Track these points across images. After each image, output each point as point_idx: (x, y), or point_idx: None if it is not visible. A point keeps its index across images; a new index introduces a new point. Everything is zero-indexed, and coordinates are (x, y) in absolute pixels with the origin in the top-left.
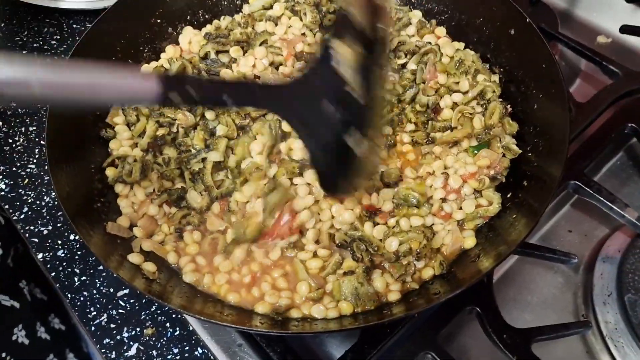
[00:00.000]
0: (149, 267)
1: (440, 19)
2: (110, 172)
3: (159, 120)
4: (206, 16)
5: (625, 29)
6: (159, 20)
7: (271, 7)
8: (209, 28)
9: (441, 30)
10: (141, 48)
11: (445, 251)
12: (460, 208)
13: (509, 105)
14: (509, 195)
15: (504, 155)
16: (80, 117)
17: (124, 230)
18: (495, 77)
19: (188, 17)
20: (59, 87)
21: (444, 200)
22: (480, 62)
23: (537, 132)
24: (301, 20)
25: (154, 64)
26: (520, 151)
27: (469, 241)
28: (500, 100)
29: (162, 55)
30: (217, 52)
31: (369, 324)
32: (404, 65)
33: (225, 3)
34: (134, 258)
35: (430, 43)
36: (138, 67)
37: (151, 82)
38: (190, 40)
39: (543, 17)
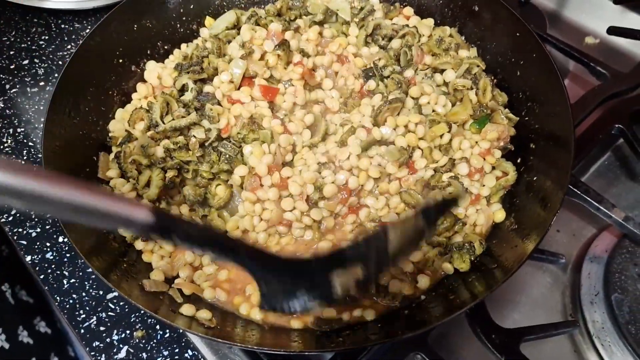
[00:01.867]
0: (204, 314)
1: (403, 4)
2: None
3: (164, 167)
4: (165, 47)
5: (613, 30)
6: (121, 60)
7: (234, 27)
8: (173, 58)
9: (409, 10)
10: (110, 92)
11: (481, 231)
12: (483, 185)
13: (492, 76)
14: (518, 161)
15: None
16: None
17: (162, 285)
18: (474, 51)
19: (148, 51)
20: (46, 203)
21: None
22: (458, 35)
23: (527, 97)
24: None
25: (128, 107)
26: (518, 118)
27: (499, 215)
28: (485, 74)
29: (134, 95)
30: (196, 82)
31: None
32: (383, 47)
33: (182, 30)
34: (186, 309)
35: (407, 26)
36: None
37: (144, 212)
38: (160, 75)
39: (532, 18)
